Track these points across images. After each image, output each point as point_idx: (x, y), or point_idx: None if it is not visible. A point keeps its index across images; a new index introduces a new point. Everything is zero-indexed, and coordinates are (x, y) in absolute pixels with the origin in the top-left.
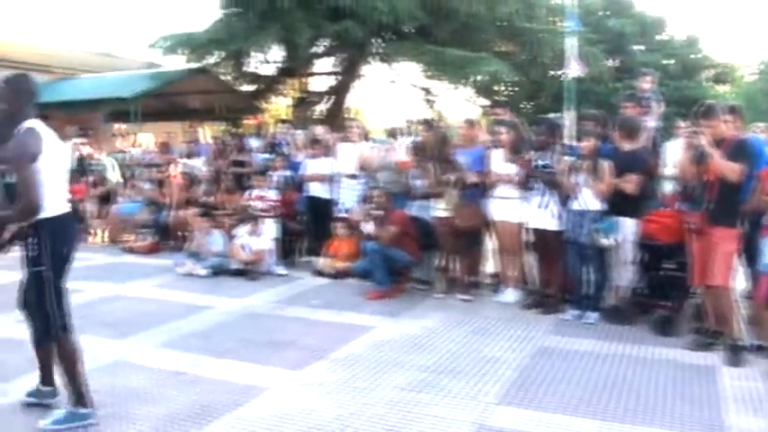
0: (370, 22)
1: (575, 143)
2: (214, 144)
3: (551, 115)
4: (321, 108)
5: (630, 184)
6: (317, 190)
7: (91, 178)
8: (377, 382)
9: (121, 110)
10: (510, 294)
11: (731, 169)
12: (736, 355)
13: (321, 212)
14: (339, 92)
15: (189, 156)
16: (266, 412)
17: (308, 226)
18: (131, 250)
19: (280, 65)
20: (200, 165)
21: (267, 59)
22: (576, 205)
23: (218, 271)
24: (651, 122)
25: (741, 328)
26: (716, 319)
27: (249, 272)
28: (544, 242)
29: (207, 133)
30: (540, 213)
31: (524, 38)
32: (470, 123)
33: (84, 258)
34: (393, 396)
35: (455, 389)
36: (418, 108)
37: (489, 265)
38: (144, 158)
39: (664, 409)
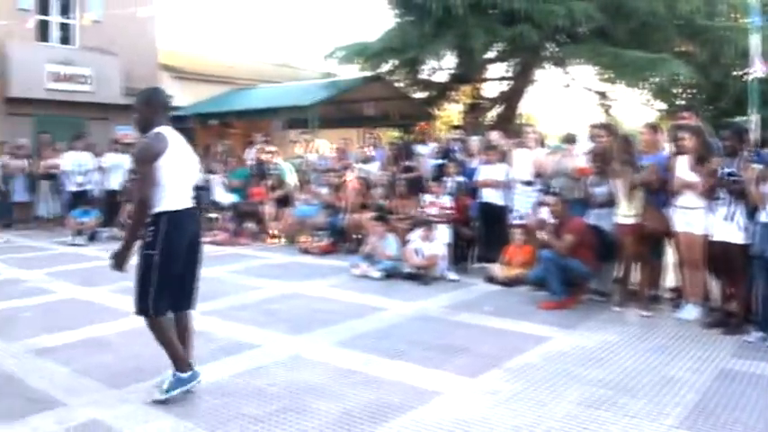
0: (545, 26)
1: (763, 150)
2: (389, 150)
3: (738, 119)
4: (492, 114)
5: None
6: (490, 196)
7: (269, 182)
8: (553, 394)
9: (299, 117)
10: (691, 311)
11: None
12: None
13: (494, 219)
14: (511, 97)
15: (365, 161)
16: (442, 417)
17: (480, 232)
18: (307, 251)
19: (452, 71)
20: (374, 170)
21: (441, 66)
22: (764, 217)
23: (392, 274)
24: None
25: None
26: None
27: (422, 276)
28: (727, 256)
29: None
30: (726, 225)
31: (705, 36)
32: (653, 128)
33: (262, 257)
34: (570, 410)
35: (634, 408)
36: (592, 113)
37: (669, 279)
38: (320, 164)
39: None
